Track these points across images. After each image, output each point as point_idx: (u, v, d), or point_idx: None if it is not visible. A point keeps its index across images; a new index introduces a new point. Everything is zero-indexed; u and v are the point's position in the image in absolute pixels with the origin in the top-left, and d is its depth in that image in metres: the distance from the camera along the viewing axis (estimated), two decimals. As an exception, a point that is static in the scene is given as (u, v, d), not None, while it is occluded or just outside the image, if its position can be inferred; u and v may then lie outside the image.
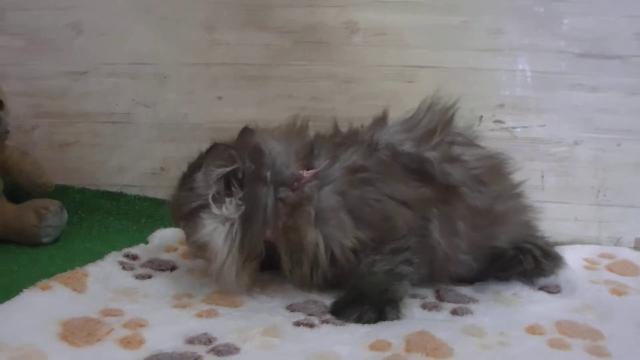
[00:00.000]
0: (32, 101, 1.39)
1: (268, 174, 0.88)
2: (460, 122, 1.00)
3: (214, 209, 0.87)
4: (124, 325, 0.77)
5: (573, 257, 1.13)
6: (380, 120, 1.00)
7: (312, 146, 0.93)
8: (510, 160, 1.02)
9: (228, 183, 0.87)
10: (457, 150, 0.95)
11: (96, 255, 1.11)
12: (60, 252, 1.16)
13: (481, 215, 0.93)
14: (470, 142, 0.98)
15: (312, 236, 0.86)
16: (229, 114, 1.35)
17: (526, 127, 1.32)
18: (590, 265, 1.15)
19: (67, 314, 0.78)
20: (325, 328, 0.80)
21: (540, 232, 1.05)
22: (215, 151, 0.86)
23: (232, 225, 0.87)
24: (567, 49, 1.29)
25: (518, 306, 0.92)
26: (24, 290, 0.83)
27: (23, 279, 0.96)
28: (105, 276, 0.95)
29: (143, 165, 1.41)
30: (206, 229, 0.87)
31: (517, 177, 1.03)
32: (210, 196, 0.87)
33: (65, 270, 1.01)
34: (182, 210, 0.90)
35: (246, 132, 0.95)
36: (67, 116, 1.40)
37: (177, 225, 0.97)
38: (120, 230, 1.32)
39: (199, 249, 0.90)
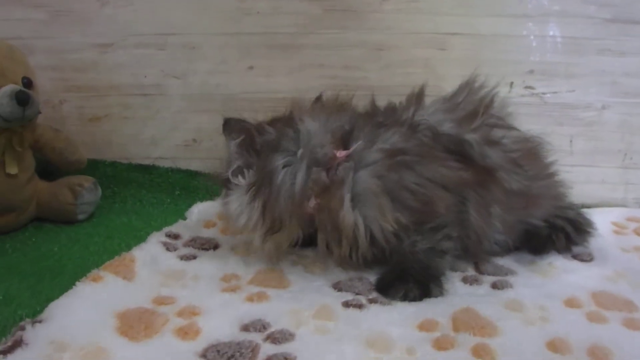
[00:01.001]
0: (59, 75, 1.37)
1: (292, 147, 0.90)
2: (495, 102, 1.00)
3: (234, 180, 0.92)
4: (178, 314, 0.79)
5: (602, 221, 1.16)
6: (418, 97, 0.99)
7: (350, 125, 0.92)
8: (544, 142, 1.04)
9: (249, 154, 0.92)
10: (497, 133, 0.96)
11: (134, 230, 1.15)
12: (98, 230, 1.17)
13: (517, 198, 0.95)
14: (508, 125, 0.99)
15: (350, 219, 0.87)
16: (261, 83, 1.35)
17: (555, 92, 1.34)
18: (619, 229, 1.19)
19: (121, 305, 0.79)
20: (374, 308, 0.82)
21: (570, 203, 1.08)
22: (227, 125, 0.92)
23: (250, 195, 0.90)
24: (596, 14, 1.29)
25: (554, 276, 0.95)
26: (77, 283, 0.84)
27: (66, 260, 1.00)
28: (152, 259, 0.96)
29: (175, 137, 1.40)
30: (229, 199, 0.92)
31: (549, 156, 1.05)
32: (232, 169, 0.92)
33: (106, 249, 1.05)
34: (218, 182, 0.96)
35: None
36: (96, 89, 1.38)
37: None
38: (154, 203, 1.34)
39: (227, 220, 0.96)
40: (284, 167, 0.89)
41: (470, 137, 0.93)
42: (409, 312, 0.81)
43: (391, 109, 0.99)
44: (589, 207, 1.30)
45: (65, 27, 1.34)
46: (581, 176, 1.36)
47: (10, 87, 1.08)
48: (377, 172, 0.88)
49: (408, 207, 0.87)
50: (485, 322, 0.77)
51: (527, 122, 1.30)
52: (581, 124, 1.35)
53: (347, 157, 0.89)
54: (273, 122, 0.95)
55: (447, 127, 0.94)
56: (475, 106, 0.97)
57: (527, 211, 0.98)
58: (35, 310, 0.79)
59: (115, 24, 1.34)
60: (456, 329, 0.76)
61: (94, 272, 0.88)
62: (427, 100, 1.01)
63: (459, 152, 0.92)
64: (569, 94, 1.34)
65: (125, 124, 1.40)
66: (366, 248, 0.89)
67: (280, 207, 0.88)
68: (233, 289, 0.88)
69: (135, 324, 0.75)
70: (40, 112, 1.16)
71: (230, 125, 0.92)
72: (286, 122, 0.93)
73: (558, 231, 1.01)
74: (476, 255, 0.98)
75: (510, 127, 0.99)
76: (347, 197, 0.87)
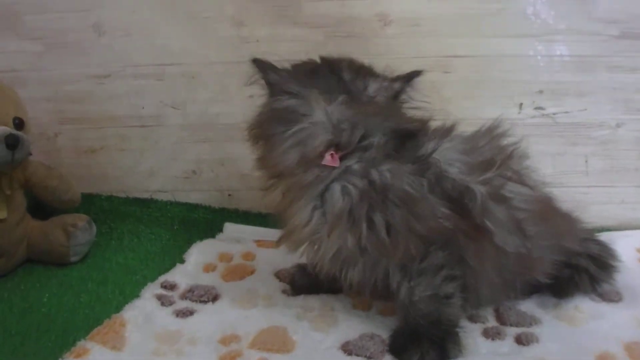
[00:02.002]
0: (54, 107, 1.34)
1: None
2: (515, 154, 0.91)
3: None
4: None
5: (626, 247, 1.11)
6: (444, 134, 0.88)
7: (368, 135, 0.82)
8: (556, 200, 0.96)
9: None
10: (509, 188, 0.85)
11: (129, 273, 1.10)
12: (92, 273, 1.12)
13: (514, 259, 0.85)
14: (522, 181, 0.88)
15: (303, 218, 0.82)
16: (262, 112, 1.31)
17: (567, 112, 1.30)
18: (645, 256, 1.12)
19: None
20: None
21: (591, 234, 1.02)
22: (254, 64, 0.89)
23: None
24: (604, 31, 1.26)
25: (582, 324, 0.88)
26: None
27: (55, 313, 0.94)
28: (145, 319, 0.90)
29: (174, 169, 1.36)
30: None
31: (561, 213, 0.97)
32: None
33: (99, 297, 0.99)
34: None
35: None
36: (92, 121, 1.34)
37: None
38: (152, 239, 1.28)
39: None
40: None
41: (477, 187, 0.82)
42: None
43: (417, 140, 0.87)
44: (609, 229, 1.25)
45: (61, 58, 1.32)
46: (599, 197, 1.31)
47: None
48: (350, 193, 0.80)
49: (361, 235, 0.80)
50: None
51: (539, 144, 1.28)
52: (595, 143, 1.30)
53: (336, 160, 0.81)
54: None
55: (456, 171, 0.83)
56: (493, 154, 0.86)
57: (525, 272, 0.90)
58: None
59: (113, 54, 1.31)
60: None
61: (80, 344, 0.82)
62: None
63: (458, 201, 0.82)
64: (581, 113, 1.30)
65: (122, 156, 1.36)
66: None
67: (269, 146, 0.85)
68: (232, 357, 0.81)
69: None
70: (30, 154, 1.12)
71: (256, 64, 0.90)
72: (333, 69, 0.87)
73: (581, 272, 0.94)
74: (487, 302, 0.90)
75: (524, 184, 0.88)
76: (312, 199, 0.81)
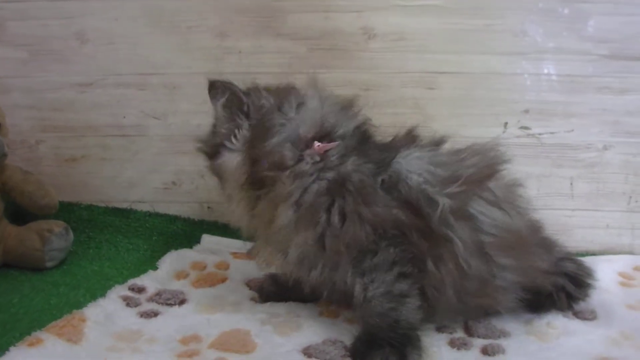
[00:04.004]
0: (36, 114, 1.33)
1: (290, 113, 0.88)
2: (503, 179, 0.89)
3: (227, 143, 0.90)
4: None
5: (607, 271, 1.10)
6: (407, 139, 0.91)
7: (341, 129, 0.88)
8: (535, 222, 0.94)
9: (236, 116, 0.90)
10: (477, 208, 0.83)
11: (104, 279, 1.09)
12: (66, 278, 1.11)
13: (474, 283, 0.84)
14: (497, 204, 0.85)
15: (284, 221, 0.84)
16: (243, 124, 1.30)
17: (553, 132, 1.27)
18: (626, 281, 1.10)
19: None
20: None
21: (567, 253, 0.99)
22: (212, 87, 0.92)
23: (239, 156, 0.89)
24: (594, 50, 1.24)
25: (553, 340, 0.86)
26: (11, 348, 0.77)
27: (22, 314, 0.94)
28: (106, 317, 0.89)
29: (154, 180, 1.35)
30: (221, 159, 0.91)
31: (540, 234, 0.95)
32: (223, 132, 0.91)
33: (68, 300, 0.98)
34: (207, 151, 0.94)
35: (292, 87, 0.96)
36: (74, 130, 1.34)
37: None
38: (130, 249, 1.28)
39: (217, 178, 0.94)
40: (281, 125, 0.87)
41: (441, 199, 0.81)
42: None
43: (382, 143, 0.92)
44: (593, 254, 1.23)
45: (44, 66, 1.31)
46: (584, 221, 1.28)
47: (-25, 133, 1.04)
48: (318, 189, 0.84)
49: (320, 230, 0.82)
50: None
51: (524, 164, 1.25)
52: (582, 166, 1.28)
53: (323, 153, 0.85)
54: (269, 89, 0.94)
55: (420, 180, 0.82)
56: (468, 172, 0.84)
57: (485, 301, 0.88)
58: None
59: (95, 63, 1.31)
60: None
61: (35, 334, 0.81)
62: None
63: (414, 206, 0.81)
64: (568, 134, 1.27)
65: (102, 166, 1.35)
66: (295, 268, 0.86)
67: (257, 159, 0.87)
68: (189, 355, 0.79)
69: None
70: (6, 155, 1.12)
71: (216, 88, 0.92)
72: (287, 91, 0.93)
73: (559, 290, 0.93)
74: (442, 311, 0.88)
75: (498, 207, 0.85)
76: (293, 196, 0.84)
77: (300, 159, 0.85)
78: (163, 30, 1.29)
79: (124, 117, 1.33)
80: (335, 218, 0.82)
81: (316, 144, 0.85)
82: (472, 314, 0.90)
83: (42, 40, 1.30)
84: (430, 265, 0.82)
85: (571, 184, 1.28)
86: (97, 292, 1.02)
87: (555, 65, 1.25)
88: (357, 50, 1.27)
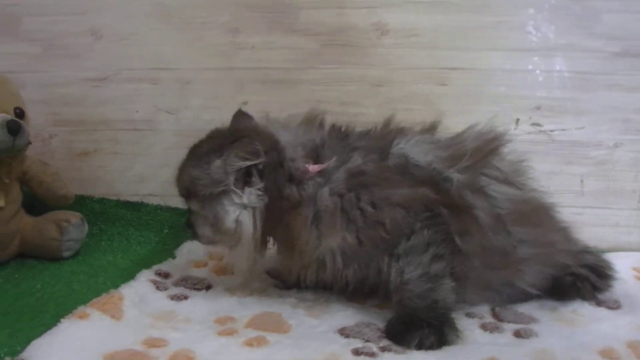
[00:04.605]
0: (50, 109, 1.35)
1: (290, 167, 0.87)
2: (508, 157, 0.92)
3: (236, 198, 0.86)
4: (171, 358, 0.72)
5: (622, 266, 1.08)
6: (396, 129, 0.94)
7: (321, 140, 0.90)
8: (549, 202, 0.96)
9: (248, 173, 0.86)
10: (485, 181, 0.87)
11: (120, 269, 1.11)
12: (82, 267, 1.13)
13: (497, 256, 0.86)
14: (506, 180, 0.89)
15: (308, 238, 0.85)
16: (256, 119, 1.30)
17: (564, 129, 1.27)
18: (642, 275, 1.10)
19: (110, 346, 0.73)
20: (388, 357, 0.75)
21: (586, 246, 1.01)
22: (241, 144, 0.85)
23: (254, 213, 0.87)
24: (605, 48, 1.24)
25: (582, 326, 0.87)
26: (62, 320, 0.79)
27: (47, 299, 0.96)
28: (140, 299, 0.91)
29: (165, 174, 1.30)
30: (230, 215, 0.87)
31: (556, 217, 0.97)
32: (231, 184, 0.86)
33: (90, 287, 1.00)
34: (199, 191, 0.88)
35: (241, 115, 0.98)
36: (86, 124, 1.35)
37: (183, 197, 0.94)
38: (141, 242, 1.28)
39: (221, 234, 0.89)
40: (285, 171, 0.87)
41: (453, 174, 0.86)
42: None
43: (364, 134, 0.94)
44: (602, 251, 1.22)
45: (57, 61, 1.33)
46: (593, 219, 1.28)
47: (1, 117, 1.06)
48: (337, 190, 0.85)
49: (357, 226, 0.84)
50: None
51: (535, 161, 1.23)
52: (592, 163, 1.28)
53: (319, 173, 0.86)
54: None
55: (427, 159, 0.87)
56: (476, 147, 0.89)
57: (508, 273, 0.90)
58: (14, 350, 0.74)
59: (108, 58, 1.32)
60: None
61: (80, 309, 0.82)
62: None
63: (430, 182, 0.85)
64: (578, 131, 1.27)
65: (114, 160, 1.36)
66: (333, 271, 0.87)
67: (275, 222, 0.87)
68: (229, 333, 0.81)
69: None
70: (30, 143, 1.13)
71: (244, 145, 0.85)
72: (261, 136, 0.89)
73: (583, 280, 0.94)
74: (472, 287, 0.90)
75: (507, 182, 0.89)
76: (310, 216, 0.85)
77: (304, 189, 0.86)
78: (175, 26, 1.30)
79: (137, 111, 1.34)
80: (368, 208, 0.84)
81: (310, 167, 0.86)
82: (498, 290, 0.92)
83: (56, 35, 1.32)
84: (458, 240, 0.84)
85: (581, 181, 1.28)
86: (117, 280, 1.03)
87: (566, 62, 1.26)
88: (369, 46, 1.28)
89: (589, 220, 1.28)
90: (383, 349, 0.77)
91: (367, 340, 0.80)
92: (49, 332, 0.75)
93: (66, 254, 1.17)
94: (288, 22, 1.28)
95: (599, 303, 0.94)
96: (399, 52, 1.28)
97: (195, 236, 0.93)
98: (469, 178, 0.86)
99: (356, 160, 0.87)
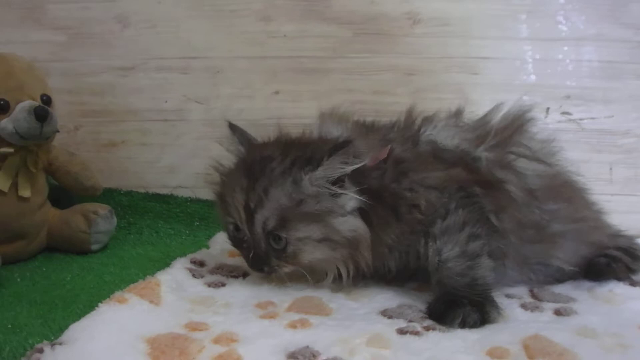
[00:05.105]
0: (76, 99, 1.31)
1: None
2: (537, 135, 0.93)
3: (340, 206, 0.82)
4: (215, 340, 0.70)
5: None
6: (426, 118, 0.95)
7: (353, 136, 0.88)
8: (580, 181, 0.97)
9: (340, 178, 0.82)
10: (512, 158, 0.89)
11: (151, 261, 1.07)
12: (113, 260, 1.09)
13: (530, 230, 0.87)
14: (534, 157, 0.91)
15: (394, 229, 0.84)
16: (287, 108, 1.29)
17: (593, 118, 1.29)
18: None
19: (151, 330, 0.71)
20: (433, 335, 0.74)
21: (619, 230, 1.03)
22: (347, 148, 0.79)
23: (360, 216, 0.83)
24: (634, 37, 1.26)
25: (619, 304, 0.88)
26: (100, 304, 0.76)
27: (79, 290, 0.92)
28: (178, 285, 0.88)
29: (195, 165, 1.33)
30: (344, 225, 0.82)
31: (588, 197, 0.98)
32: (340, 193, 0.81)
33: (122, 278, 0.97)
34: (295, 210, 0.81)
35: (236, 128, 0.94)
36: (114, 114, 1.32)
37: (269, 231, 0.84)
38: (171, 235, 1.26)
39: (330, 250, 0.83)
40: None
41: (481, 153, 0.87)
42: (472, 339, 0.73)
43: (391, 126, 0.95)
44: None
45: (84, 49, 1.30)
46: (621, 206, 1.29)
47: (28, 103, 1.02)
48: (387, 182, 0.84)
49: (400, 214, 0.83)
50: (561, 348, 0.69)
51: (564, 150, 1.26)
52: (620, 151, 1.30)
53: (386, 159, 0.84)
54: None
55: (454, 142, 0.88)
56: (502, 127, 0.90)
57: (543, 247, 0.90)
58: (48, 339, 0.70)
59: (137, 46, 1.30)
60: (531, 356, 0.68)
61: (118, 293, 0.80)
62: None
63: (461, 162, 0.86)
64: (607, 119, 1.29)
65: (142, 151, 1.34)
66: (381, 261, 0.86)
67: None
68: (272, 316, 0.79)
69: (168, 350, 0.67)
70: (58, 131, 1.10)
71: (346, 151, 0.80)
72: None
73: (617, 261, 0.95)
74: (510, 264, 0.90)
75: (535, 159, 0.91)
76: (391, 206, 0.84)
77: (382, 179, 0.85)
78: (206, 14, 1.28)
79: (166, 101, 1.32)
80: (407, 194, 0.83)
81: (372, 159, 0.84)
82: (534, 268, 0.92)
83: (82, 23, 1.29)
84: (494, 219, 0.85)
85: (610, 169, 1.30)
86: (149, 271, 0.98)
87: (596, 51, 1.27)
88: (401, 35, 1.28)
89: (617, 208, 1.27)
90: (427, 328, 0.76)
91: (411, 321, 0.79)
92: (88, 316, 0.73)
93: (95, 247, 1.14)
94: (320, 10, 1.28)
95: (634, 283, 0.95)
96: (430, 41, 1.28)
97: (279, 269, 0.86)
98: (497, 155, 0.88)
99: (395, 149, 0.86)
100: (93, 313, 0.74)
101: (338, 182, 0.82)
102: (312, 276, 0.88)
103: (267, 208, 0.81)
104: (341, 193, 0.81)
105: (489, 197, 0.85)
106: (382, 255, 0.86)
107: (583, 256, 0.94)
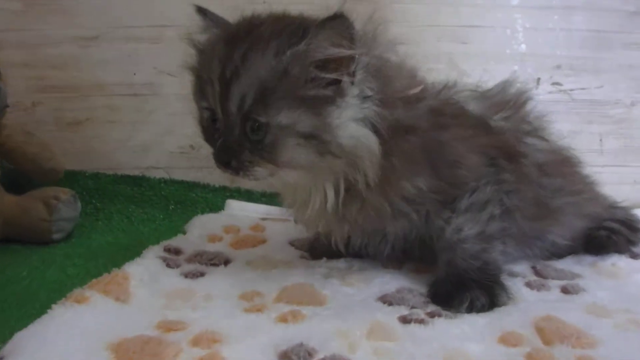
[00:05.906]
0: (33, 73, 1.22)
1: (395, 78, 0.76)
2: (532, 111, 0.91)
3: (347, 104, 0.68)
4: (193, 342, 0.63)
5: None
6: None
7: None
8: (575, 155, 0.96)
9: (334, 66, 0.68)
10: (525, 141, 0.87)
11: (122, 249, 0.99)
12: (78, 250, 1.00)
13: (534, 206, 0.86)
14: (535, 133, 0.89)
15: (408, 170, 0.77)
16: (268, 81, 1.22)
17: (584, 88, 1.28)
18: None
19: (116, 334, 0.63)
20: (439, 323, 0.70)
21: (614, 202, 1.02)
22: (336, 23, 0.68)
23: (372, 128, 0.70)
24: (622, 7, 1.26)
25: (624, 277, 0.87)
26: (54, 306, 0.67)
27: (37, 286, 0.84)
28: (150, 277, 0.80)
29: (169, 143, 1.27)
30: (346, 129, 0.68)
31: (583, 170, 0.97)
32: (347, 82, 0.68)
33: (88, 271, 0.88)
34: (278, 88, 0.66)
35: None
36: (77, 89, 1.24)
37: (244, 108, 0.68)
38: (144, 220, 1.17)
39: (321, 158, 0.69)
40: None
41: (498, 123, 0.84)
42: (481, 324, 0.69)
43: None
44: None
45: (42, 18, 1.20)
46: (612, 177, 1.29)
47: (-31, 76, 0.92)
48: (421, 126, 0.76)
49: (435, 168, 0.77)
50: (577, 331, 0.66)
51: (556, 121, 1.23)
52: (610, 122, 1.29)
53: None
54: None
55: (476, 107, 0.84)
56: (507, 99, 0.88)
57: (544, 224, 0.89)
58: None
59: (101, 14, 1.21)
60: (547, 341, 0.65)
61: (77, 291, 0.70)
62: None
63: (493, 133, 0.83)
64: (598, 90, 1.28)
65: (110, 129, 1.25)
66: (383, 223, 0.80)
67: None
68: (259, 309, 0.72)
69: (137, 358, 0.58)
70: (8, 106, 1.01)
71: (342, 27, 0.70)
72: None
73: (617, 233, 0.95)
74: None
75: (537, 136, 0.89)
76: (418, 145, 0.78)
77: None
78: (179, -22, 1.19)
79: (135, 74, 1.24)
80: (453, 146, 0.77)
81: (401, 86, 0.77)
82: (530, 243, 0.91)
83: (39, -12, 1.19)
84: (505, 198, 0.82)
85: (600, 140, 1.29)
86: (119, 262, 0.89)
87: (585, 20, 1.26)
88: (390, 2, 1.23)
89: (608, 179, 1.26)
90: (432, 315, 0.72)
91: (413, 307, 0.74)
92: (37, 321, 0.64)
93: (57, 236, 1.04)
94: (301, -25, 1.20)
95: (634, 256, 0.95)
96: (420, 8, 1.24)
97: (250, 168, 0.70)
98: (513, 126, 0.85)
99: (427, 98, 0.79)
100: (45, 317, 0.65)
101: (330, 69, 0.68)
102: (290, 196, 0.78)
103: (245, 78, 0.67)
104: (340, 88, 0.68)
105: (510, 172, 0.81)
106: (384, 213, 0.77)
107: (578, 229, 0.93)
